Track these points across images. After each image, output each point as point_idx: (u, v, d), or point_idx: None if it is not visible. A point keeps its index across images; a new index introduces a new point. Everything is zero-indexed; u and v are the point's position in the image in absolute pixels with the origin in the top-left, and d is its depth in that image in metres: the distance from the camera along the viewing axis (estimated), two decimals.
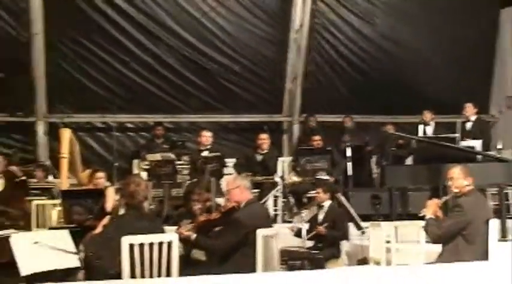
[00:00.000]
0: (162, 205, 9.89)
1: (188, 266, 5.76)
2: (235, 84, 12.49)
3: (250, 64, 12.44)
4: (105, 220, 5.38)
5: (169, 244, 4.99)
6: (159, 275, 4.93)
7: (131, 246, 4.87)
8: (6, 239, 7.53)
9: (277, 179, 10.13)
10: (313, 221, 7.95)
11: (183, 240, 5.89)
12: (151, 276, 4.89)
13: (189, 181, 10.15)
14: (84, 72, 11.77)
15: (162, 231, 5.26)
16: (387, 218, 8.90)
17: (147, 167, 10.46)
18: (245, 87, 12.57)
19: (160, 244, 4.95)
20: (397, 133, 11.27)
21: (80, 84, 11.82)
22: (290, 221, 9.56)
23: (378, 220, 8.70)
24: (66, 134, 8.23)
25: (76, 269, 5.17)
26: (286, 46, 12.44)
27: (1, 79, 11.28)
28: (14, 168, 9.15)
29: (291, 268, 7.33)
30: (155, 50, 11.95)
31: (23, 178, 9.31)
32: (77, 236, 5.51)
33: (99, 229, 5.26)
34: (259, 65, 12.48)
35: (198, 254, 6.43)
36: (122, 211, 5.49)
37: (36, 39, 11.22)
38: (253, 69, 12.49)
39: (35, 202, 8.93)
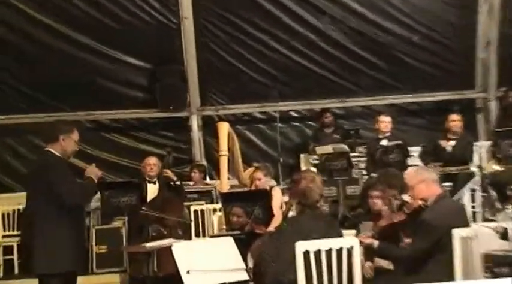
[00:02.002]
0: (335, 206, 10.00)
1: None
2: (415, 57, 12.32)
3: (431, 32, 12.19)
4: (275, 224, 5.56)
5: (350, 251, 5.06)
6: None
7: (306, 253, 5.00)
8: (167, 250, 8.10)
9: (473, 169, 9.91)
10: None
11: (364, 248, 5.93)
12: None
13: (367, 176, 10.22)
14: (239, 56, 12.17)
15: (341, 235, 5.35)
16: None
17: (316, 161, 10.66)
18: (427, 60, 12.36)
19: (340, 250, 5.03)
20: None
21: (235, 70, 12.25)
22: (493, 220, 9.31)
23: None
24: (224, 128, 8.54)
25: (245, 282, 5.40)
26: (474, 6, 12.09)
27: (150, 71, 12.01)
28: (168, 172, 9.60)
29: (497, 276, 7.14)
30: (318, 24, 12.05)
31: (178, 183, 9.78)
32: (241, 244, 5.73)
33: (273, 227, 5.45)
34: (442, 32, 12.20)
35: (383, 263, 6.44)
36: (292, 213, 5.63)
37: (185, 23, 11.75)
38: (436, 38, 12.24)
39: (193, 208, 9.41)
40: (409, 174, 6.16)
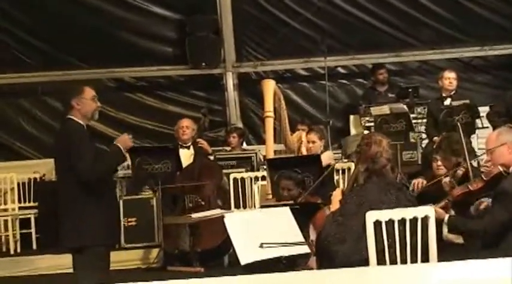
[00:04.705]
0: (393, 172, 10.07)
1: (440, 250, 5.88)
2: (481, 3, 12.29)
3: None
4: (339, 194, 5.68)
5: (424, 220, 5.19)
6: (415, 260, 5.14)
7: (377, 223, 5.11)
8: (206, 222, 8.27)
9: None
10: None
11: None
12: (404, 262, 5.11)
13: (426, 141, 10.29)
14: (279, 4, 12.23)
15: (415, 204, 5.46)
16: None
17: (369, 124, 10.73)
18: (494, 7, 12.31)
19: (414, 220, 5.17)
20: None
21: (275, 21, 12.33)
22: None
23: None
24: (270, 86, 8.59)
25: (305, 255, 5.54)
26: None
27: (179, 23, 12.08)
28: (204, 143, 9.70)
29: None
30: None
31: (212, 157, 9.87)
32: (298, 216, 5.85)
33: (334, 206, 5.57)
34: None
35: (452, 236, 6.52)
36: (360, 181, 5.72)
37: None
38: None
39: (232, 176, 9.55)
40: (490, 137, 6.17)
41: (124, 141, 6.37)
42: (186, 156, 9.82)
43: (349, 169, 9.02)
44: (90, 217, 6.09)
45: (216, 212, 7.47)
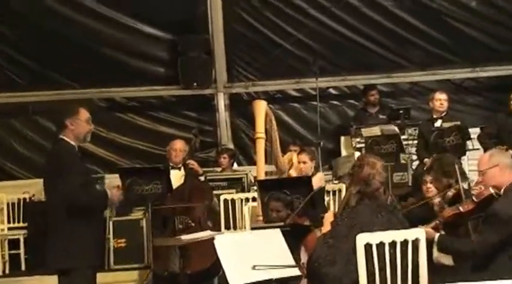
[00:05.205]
0: (384, 194, 10.06)
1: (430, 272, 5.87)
2: (472, 25, 12.34)
3: None
4: (330, 216, 5.67)
5: (415, 243, 5.16)
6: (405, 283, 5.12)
7: (368, 246, 5.11)
8: (196, 244, 8.22)
9: None
10: None
11: None
12: None
13: (417, 162, 10.29)
14: (272, 25, 12.27)
15: (406, 226, 5.44)
16: None
17: (360, 145, 10.73)
18: (486, 29, 12.37)
19: (405, 242, 5.14)
20: None
21: (267, 42, 12.36)
22: None
23: None
24: (261, 107, 8.57)
25: (296, 278, 5.51)
26: None
27: (171, 43, 12.09)
28: (194, 164, 9.66)
29: None
30: None
31: (203, 178, 9.84)
32: (288, 238, 5.83)
33: (326, 228, 5.56)
34: None
35: (444, 258, 6.51)
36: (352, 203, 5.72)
37: None
38: (496, 3, 12.23)
39: (222, 197, 9.52)
40: (482, 158, 6.17)
41: (115, 196, 6.43)
42: (177, 177, 9.76)
43: (339, 190, 9.01)
44: (79, 238, 6.07)
45: (206, 234, 7.39)
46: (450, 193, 6.86)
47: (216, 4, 12.02)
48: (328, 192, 9.04)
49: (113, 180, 9.53)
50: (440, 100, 10.19)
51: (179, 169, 9.87)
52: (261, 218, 8.07)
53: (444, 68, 12.54)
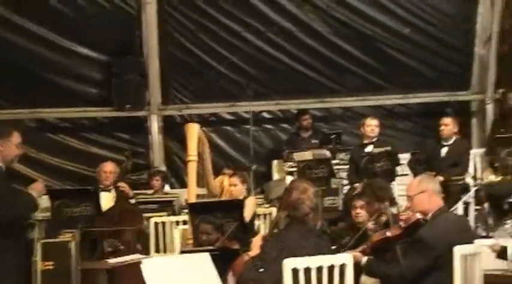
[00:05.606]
0: (314, 219, 10.10)
1: None
2: (405, 52, 12.55)
3: (425, 25, 12.44)
4: (259, 239, 5.65)
5: (342, 268, 5.18)
6: None
7: (295, 271, 5.10)
8: (129, 267, 8.13)
9: (468, 180, 10.08)
10: None
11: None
12: None
13: (348, 187, 10.36)
14: (207, 48, 12.29)
15: (332, 252, 5.46)
16: None
17: (291, 169, 10.76)
18: (418, 56, 12.59)
19: (331, 267, 5.15)
20: None
21: (202, 65, 12.37)
22: (486, 236, 9.49)
23: None
24: (194, 130, 8.54)
25: None
26: None
27: (105, 64, 12.00)
28: (125, 186, 9.60)
29: None
30: (297, 13, 12.24)
31: (133, 201, 9.77)
32: (218, 261, 5.80)
33: (254, 251, 5.54)
34: (437, 25, 12.44)
35: (370, 282, 6.55)
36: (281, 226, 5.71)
37: (147, 9, 11.86)
38: (429, 32, 12.48)
39: (152, 220, 9.45)
40: (411, 183, 6.24)
41: (38, 189, 6.39)
42: (107, 199, 9.66)
43: (270, 214, 9.01)
44: (3, 262, 5.97)
45: (133, 257, 7.34)
46: (383, 218, 6.92)
47: (151, 27, 12.00)
48: (259, 216, 9.05)
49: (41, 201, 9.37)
50: (371, 125, 10.29)
51: (109, 191, 9.78)
52: (191, 241, 8.04)
53: (377, 93, 12.68)
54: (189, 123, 9.03)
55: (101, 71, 12.30)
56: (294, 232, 5.50)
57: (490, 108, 12.73)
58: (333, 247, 6.72)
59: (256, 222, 8.81)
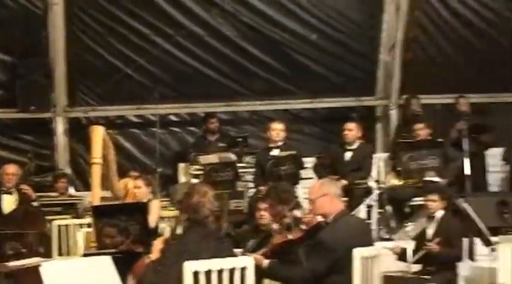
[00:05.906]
0: (218, 221, 10.11)
1: None
2: (312, 58, 12.67)
3: (332, 31, 12.59)
4: (160, 242, 5.63)
5: (243, 271, 5.21)
6: None
7: (196, 274, 5.11)
8: (30, 270, 8.00)
9: (371, 183, 10.25)
10: (420, 238, 8.05)
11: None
12: None
13: (254, 190, 10.42)
14: (114, 50, 12.19)
15: (233, 254, 5.48)
16: None
17: (197, 172, 10.76)
18: (325, 62, 12.74)
19: (232, 270, 5.18)
20: None
21: (109, 67, 12.25)
22: (388, 239, 9.66)
23: (509, 234, 8.69)
24: (98, 132, 8.46)
25: None
26: (380, 5, 12.51)
27: (10, 65, 11.78)
28: (28, 189, 9.44)
29: None
30: (206, 17, 12.23)
31: (36, 203, 9.63)
32: (120, 264, 5.77)
33: (155, 254, 5.52)
34: (344, 31, 12.62)
35: None
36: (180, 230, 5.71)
37: (53, 10, 11.65)
38: (336, 38, 12.64)
39: (56, 223, 9.33)
40: (312, 187, 6.30)
41: None
42: (9, 202, 9.54)
43: (175, 217, 8.99)
44: None
45: (33, 260, 7.24)
46: (288, 220, 6.97)
47: (58, 28, 11.80)
48: (163, 218, 9.03)
49: None
50: (277, 130, 10.36)
51: (11, 193, 9.63)
52: (95, 244, 7.96)
53: (284, 98, 12.78)
54: (93, 126, 8.94)
55: (5, 72, 12.05)
56: (194, 235, 5.50)
57: (394, 113, 13.00)
58: (239, 250, 6.80)
59: (161, 225, 8.81)
